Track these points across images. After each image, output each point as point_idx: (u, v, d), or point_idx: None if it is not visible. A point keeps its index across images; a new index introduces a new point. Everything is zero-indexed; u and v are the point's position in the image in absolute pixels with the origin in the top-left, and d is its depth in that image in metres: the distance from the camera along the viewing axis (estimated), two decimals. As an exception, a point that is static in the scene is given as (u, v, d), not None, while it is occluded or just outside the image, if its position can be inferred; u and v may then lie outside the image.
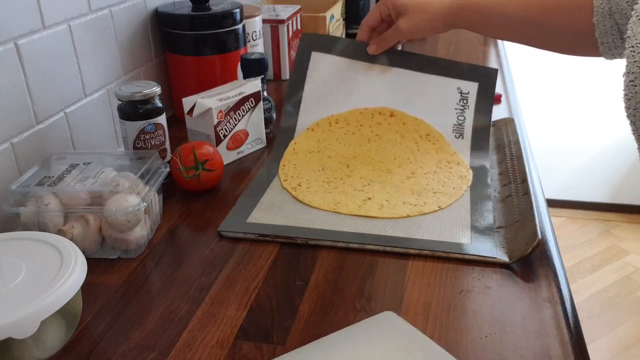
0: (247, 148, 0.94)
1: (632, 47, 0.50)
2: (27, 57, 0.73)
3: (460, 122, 0.91)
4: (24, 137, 0.74)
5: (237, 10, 1.04)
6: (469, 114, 0.92)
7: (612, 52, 0.72)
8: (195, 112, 0.87)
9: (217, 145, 0.87)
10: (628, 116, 0.52)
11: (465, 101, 0.93)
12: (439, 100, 0.93)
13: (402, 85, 0.95)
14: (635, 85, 0.49)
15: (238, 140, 0.91)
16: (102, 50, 0.89)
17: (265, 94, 0.98)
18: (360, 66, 0.96)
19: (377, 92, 0.95)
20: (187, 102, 0.88)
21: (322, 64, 0.96)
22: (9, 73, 0.71)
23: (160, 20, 1.04)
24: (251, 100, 0.91)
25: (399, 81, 0.95)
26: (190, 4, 1.04)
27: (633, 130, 0.52)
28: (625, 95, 0.51)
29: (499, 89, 1.21)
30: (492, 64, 1.38)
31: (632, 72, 0.49)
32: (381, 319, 0.55)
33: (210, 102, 0.86)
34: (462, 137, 0.91)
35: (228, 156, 0.90)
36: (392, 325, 0.55)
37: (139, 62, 1.00)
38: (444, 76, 0.94)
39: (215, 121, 0.86)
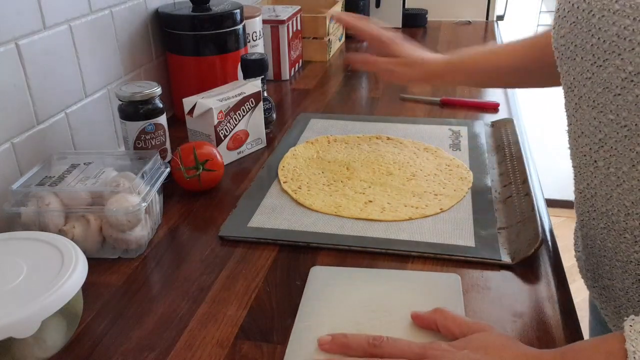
0: (247, 148, 0.94)
1: None
2: (28, 58, 0.73)
3: (455, 143, 0.95)
4: (25, 137, 0.74)
5: (238, 11, 1.04)
6: (464, 140, 0.96)
7: None
8: (196, 112, 0.87)
9: (217, 146, 0.87)
10: (556, 46, 0.56)
11: (457, 134, 0.98)
12: (433, 136, 0.98)
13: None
14: (558, 11, 0.53)
15: (238, 141, 0.92)
16: (103, 51, 0.89)
17: (265, 94, 0.98)
18: (358, 124, 1.03)
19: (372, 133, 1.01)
20: (187, 102, 0.88)
21: (318, 124, 1.05)
22: (10, 73, 0.71)
23: (160, 21, 1.04)
24: (251, 101, 0.91)
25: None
26: (191, 4, 1.04)
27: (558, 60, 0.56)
28: (553, 26, 0.55)
29: (498, 92, 1.21)
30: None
31: (559, 2, 0.54)
32: (445, 278, 0.62)
33: (210, 102, 0.86)
34: (459, 150, 0.93)
35: (228, 156, 0.90)
36: (445, 288, 0.60)
37: (139, 62, 1.00)
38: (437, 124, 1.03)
39: (216, 121, 0.86)
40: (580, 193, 0.58)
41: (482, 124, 1.02)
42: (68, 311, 0.53)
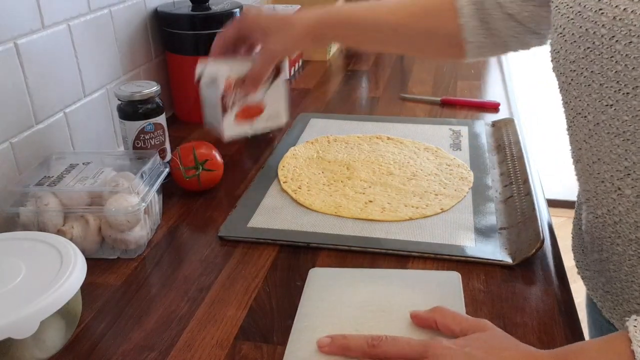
0: (260, 125, 0.86)
1: (557, 6, 0.54)
2: (27, 57, 0.73)
3: (456, 143, 0.95)
4: (24, 137, 0.74)
5: (237, 10, 1.04)
6: (464, 140, 0.96)
7: (476, 52, 0.74)
8: (203, 80, 0.82)
9: (223, 116, 0.81)
10: (555, 69, 0.55)
11: (458, 134, 0.98)
12: (434, 136, 0.98)
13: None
14: (564, 36, 0.52)
15: (249, 112, 0.84)
16: (102, 50, 0.89)
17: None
18: (358, 124, 1.04)
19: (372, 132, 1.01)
20: (198, 68, 0.82)
21: (318, 124, 1.04)
22: (9, 73, 0.71)
23: (160, 20, 1.04)
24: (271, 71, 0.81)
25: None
26: (190, 3, 1.04)
27: (560, 84, 0.56)
28: (554, 49, 0.54)
29: (499, 91, 1.21)
30: (492, 64, 1.38)
31: (560, 25, 0.53)
32: (445, 276, 0.62)
33: (219, 69, 0.80)
34: (460, 150, 0.92)
35: (235, 129, 0.84)
36: (445, 285, 0.60)
37: (138, 61, 1.00)
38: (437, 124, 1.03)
39: (221, 91, 0.80)
40: (598, 218, 0.57)
41: (483, 124, 1.01)
42: (67, 311, 0.53)
